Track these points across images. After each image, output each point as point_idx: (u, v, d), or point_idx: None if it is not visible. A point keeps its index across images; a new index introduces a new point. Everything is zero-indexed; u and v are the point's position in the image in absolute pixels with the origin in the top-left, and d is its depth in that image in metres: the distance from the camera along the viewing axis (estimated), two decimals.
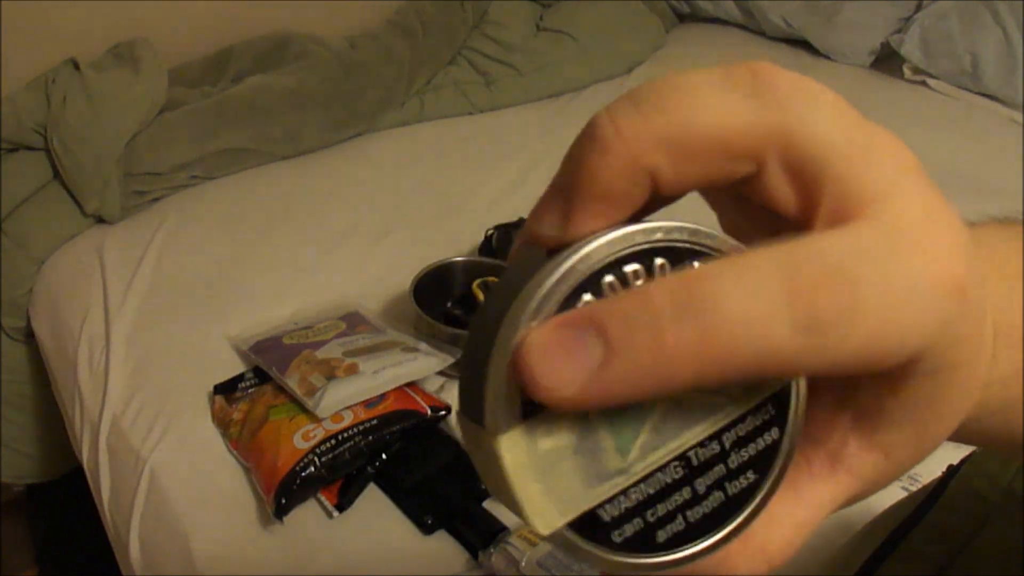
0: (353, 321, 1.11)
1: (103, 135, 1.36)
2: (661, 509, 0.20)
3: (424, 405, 0.97)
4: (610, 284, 0.19)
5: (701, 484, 0.21)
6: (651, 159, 0.19)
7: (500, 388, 0.19)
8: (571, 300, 0.19)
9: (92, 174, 1.35)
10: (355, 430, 0.92)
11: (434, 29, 1.73)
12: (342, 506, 0.91)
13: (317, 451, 0.90)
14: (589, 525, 0.20)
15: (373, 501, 0.92)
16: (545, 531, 0.19)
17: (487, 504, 0.90)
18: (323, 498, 0.91)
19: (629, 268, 0.19)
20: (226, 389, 1.05)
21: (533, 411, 0.19)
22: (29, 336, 1.40)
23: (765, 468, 0.21)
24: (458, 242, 1.28)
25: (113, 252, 1.34)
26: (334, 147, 1.60)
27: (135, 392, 1.10)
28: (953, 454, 0.57)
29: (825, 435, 0.22)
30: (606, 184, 0.19)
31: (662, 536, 0.20)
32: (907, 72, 1.82)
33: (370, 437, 0.92)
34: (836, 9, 1.90)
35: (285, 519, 0.89)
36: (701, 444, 0.21)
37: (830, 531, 0.84)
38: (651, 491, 0.20)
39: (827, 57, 1.90)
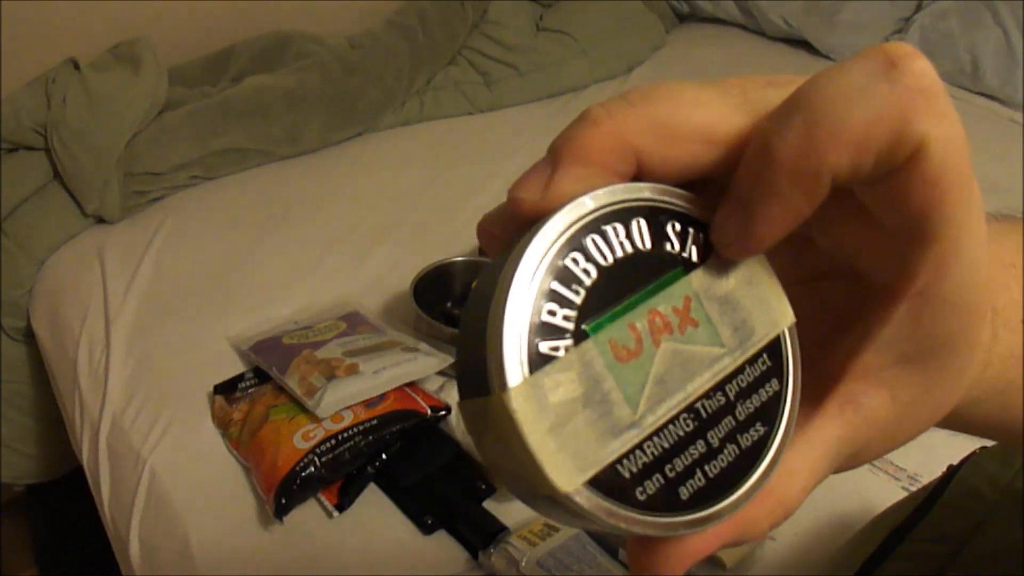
0: (353, 321, 1.11)
1: (103, 135, 1.36)
2: (679, 464, 0.20)
3: (424, 405, 0.97)
4: (594, 242, 0.20)
5: (714, 437, 0.21)
6: (637, 138, 0.20)
7: (501, 350, 0.18)
8: (560, 260, 0.19)
9: (92, 174, 1.35)
10: (355, 430, 0.92)
11: (434, 29, 1.72)
12: (342, 506, 0.91)
13: (317, 451, 0.90)
14: (609, 484, 0.19)
15: (373, 501, 0.92)
16: (567, 488, 0.19)
17: (487, 504, 0.90)
18: (323, 498, 0.91)
19: (609, 227, 0.20)
20: (226, 389, 1.05)
21: (541, 366, 0.19)
22: (29, 336, 1.40)
23: (772, 419, 0.21)
24: (458, 242, 1.28)
25: (113, 252, 1.34)
26: (334, 147, 1.60)
27: (135, 392, 1.10)
28: (954, 454, 0.58)
29: (836, 375, 0.22)
30: (591, 153, 0.20)
31: (685, 493, 0.20)
32: None
33: (370, 437, 0.92)
34: (836, 9, 1.90)
35: (285, 519, 0.89)
36: (707, 395, 0.21)
37: (830, 531, 0.85)
38: (666, 445, 0.20)
39: (827, 57, 1.90)
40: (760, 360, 0.21)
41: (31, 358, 1.42)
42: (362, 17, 1.80)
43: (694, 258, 0.21)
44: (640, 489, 0.20)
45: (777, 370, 0.22)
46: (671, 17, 2.12)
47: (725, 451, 0.21)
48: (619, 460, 0.19)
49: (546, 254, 0.19)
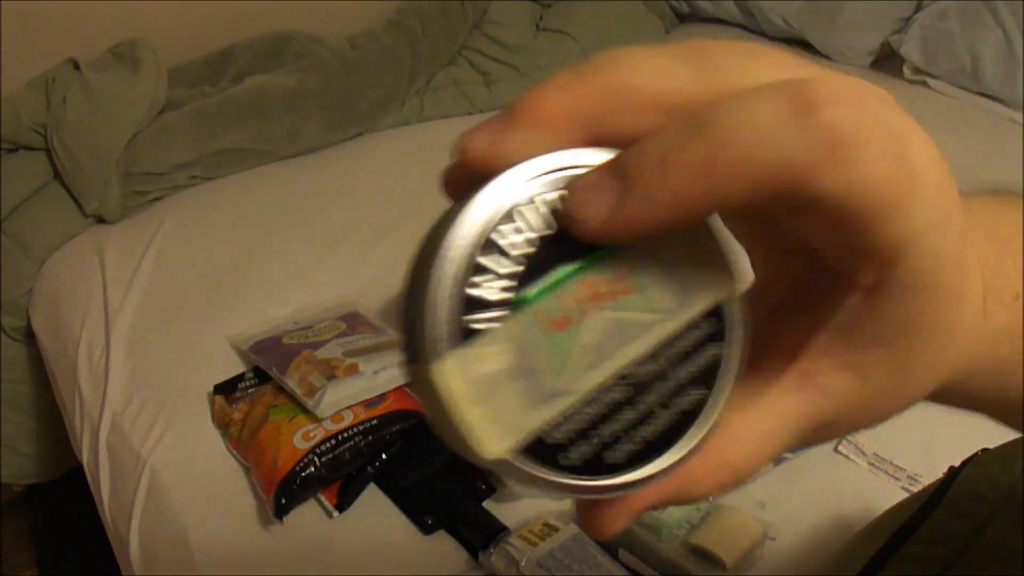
0: (353, 321, 1.11)
1: (103, 135, 1.36)
2: (609, 429, 0.20)
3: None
4: (530, 211, 0.19)
5: (647, 402, 0.21)
6: (591, 105, 0.20)
7: (434, 319, 0.19)
8: (494, 229, 0.19)
9: (92, 174, 1.35)
10: (355, 430, 0.92)
11: (434, 29, 1.72)
12: (342, 506, 0.91)
13: (317, 451, 0.90)
14: (536, 450, 0.20)
15: (373, 501, 0.92)
16: (491, 456, 0.19)
17: (487, 504, 0.90)
18: (323, 498, 0.91)
19: (548, 195, 0.20)
20: (226, 389, 1.05)
21: (469, 339, 0.19)
22: (29, 336, 1.40)
23: (712, 384, 0.21)
24: None
25: (113, 252, 1.34)
26: (334, 147, 1.60)
27: (135, 392, 1.10)
28: (955, 455, 0.58)
29: (796, 349, 0.22)
30: (544, 115, 0.20)
31: (615, 457, 0.20)
32: (907, 72, 1.82)
33: (370, 437, 0.92)
34: (836, 9, 1.90)
35: (285, 519, 0.89)
36: (640, 361, 0.20)
37: (831, 532, 0.85)
38: (596, 411, 0.20)
39: (827, 57, 1.90)
40: (701, 326, 0.21)
41: (31, 358, 1.42)
42: (362, 17, 1.80)
43: None
44: (569, 454, 0.20)
45: (720, 336, 0.21)
46: (671, 17, 2.12)
47: (659, 415, 0.21)
48: (547, 427, 0.20)
49: (480, 223, 0.19)
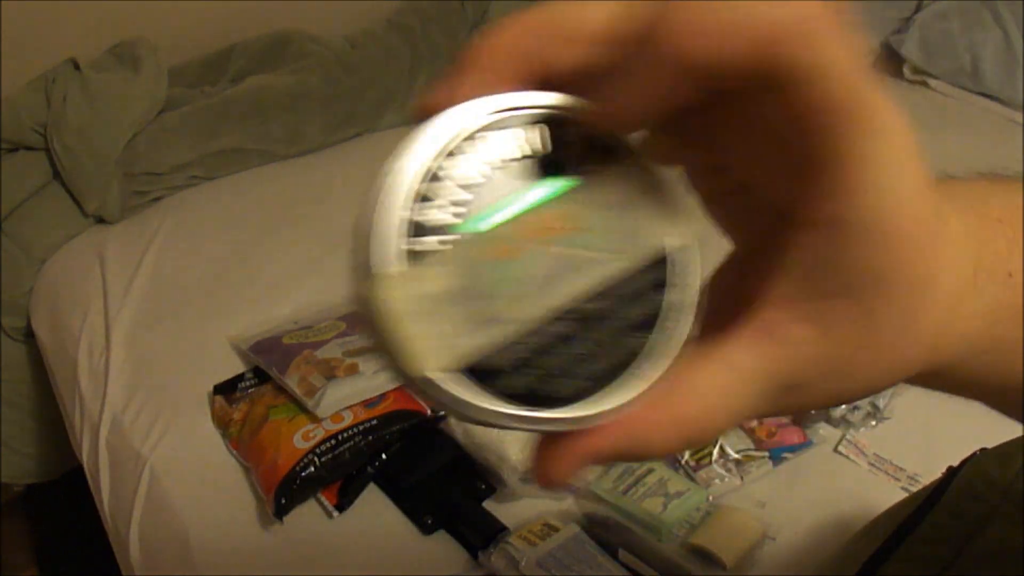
0: (353, 321, 1.11)
1: (103, 135, 1.36)
2: (551, 362, 0.20)
3: (424, 405, 0.97)
4: (486, 144, 0.20)
5: (593, 339, 0.21)
6: (533, 42, 0.20)
7: (379, 239, 0.19)
8: (450, 158, 0.20)
9: (92, 174, 1.35)
10: (355, 430, 0.92)
11: (434, 29, 1.72)
12: (342, 506, 0.91)
13: (317, 451, 0.90)
14: (475, 376, 0.19)
15: (373, 501, 0.92)
16: (418, 374, 0.19)
17: (487, 504, 0.90)
18: (323, 498, 0.91)
19: (505, 131, 0.20)
20: (226, 389, 1.05)
21: (416, 260, 0.19)
22: (29, 336, 1.40)
23: (662, 330, 0.21)
24: None
25: (113, 252, 1.34)
26: (334, 147, 1.60)
27: (135, 392, 1.10)
28: (954, 455, 0.58)
29: (753, 299, 0.22)
30: (489, 58, 0.20)
31: (556, 391, 0.20)
32: (907, 72, 1.82)
33: (370, 437, 0.92)
34: None
35: (285, 519, 0.89)
36: (588, 298, 0.20)
37: (830, 531, 0.85)
38: (539, 342, 0.20)
39: None
40: (653, 270, 0.21)
41: (31, 358, 1.42)
42: (362, 17, 1.79)
43: (595, 164, 0.21)
44: (507, 383, 0.20)
45: (675, 281, 0.21)
46: None
47: (604, 355, 0.21)
48: (486, 352, 0.20)
49: (431, 153, 0.19)
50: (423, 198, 0.19)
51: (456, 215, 0.20)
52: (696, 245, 0.21)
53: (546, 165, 0.21)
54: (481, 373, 0.20)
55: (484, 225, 0.20)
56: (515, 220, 0.20)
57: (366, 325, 0.20)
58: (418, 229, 0.19)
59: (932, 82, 1.79)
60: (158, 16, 1.59)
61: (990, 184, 0.25)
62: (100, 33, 1.52)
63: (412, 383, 0.19)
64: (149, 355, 1.15)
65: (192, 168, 1.46)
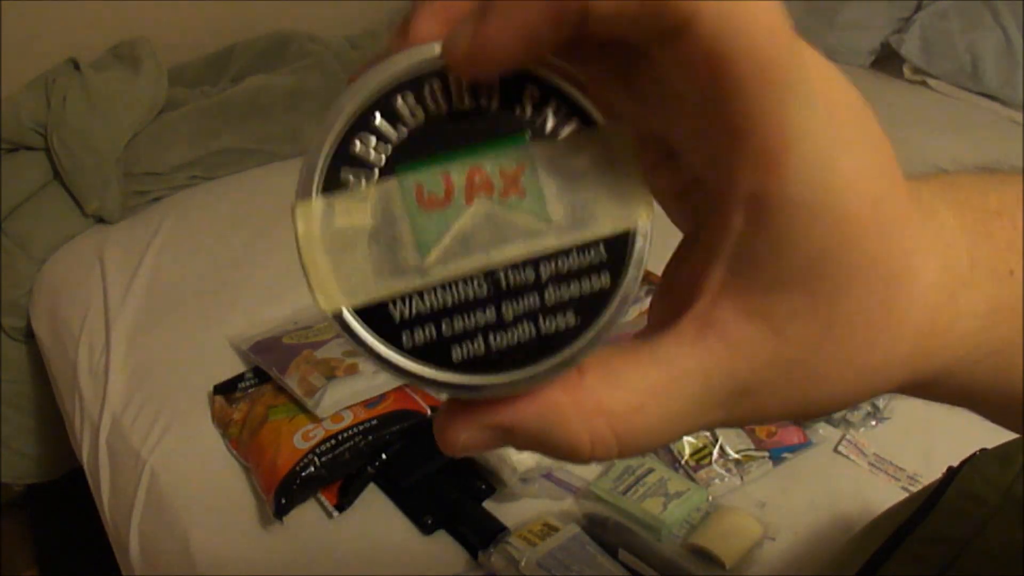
0: None
1: (103, 135, 1.36)
2: (459, 325, 0.19)
3: (424, 405, 0.97)
4: (434, 88, 0.19)
5: (509, 310, 0.20)
6: None
7: (312, 164, 0.19)
8: (393, 97, 0.19)
9: (92, 174, 1.35)
10: (355, 430, 0.92)
11: None
12: (342, 506, 0.91)
13: (317, 451, 0.90)
14: (378, 320, 0.19)
15: (373, 501, 0.92)
16: (326, 309, 0.19)
17: (487, 504, 0.90)
18: (323, 498, 0.91)
19: (455, 77, 0.19)
20: (226, 389, 1.05)
21: (336, 193, 0.19)
22: (29, 336, 1.40)
23: (589, 314, 0.20)
24: None
25: (113, 252, 1.34)
26: None
27: (135, 392, 1.10)
28: (954, 455, 0.58)
29: (694, 292, 0.20)
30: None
31: (458, 354, 0.20)
32: (907, 72, 1.82)
33: (370, 437, 0.92)
34: (836, 9, 1.90)
35: (285, 519, 0.89)
36: (513, 266, 0.19)
37: (830, 531, 0.85)
38: (449, 301, 0.19)
39: (827, 57, 1.90)
40: (594, 250, 0.20)
41: (31, 358, 1.42)
42: (362, 17, 1.80)
43: (546, 129, 0.20)
44: (409, 333, 0.19)
45: (613, 267, 0.20)
46: None
47: (518, 328, 0.20)
48: (393, 299, 0.19)
49: (380, 89, 0.19)
50: (356, 132, 0.19)
51: (383, 154, 0.19)
52: (646, 231, 0.20)
53: (494, 117, 0.19)
54: (379, 317, 0.19)
55: (415, 166, 0.19)
56: (451, 169, 0.19)
57: (296, 245, 0.19)
58: (344, 162, 0.19)
59: (932, 82, 1.79)
60: (158, 16, 1.60)
61: (988, 176, 0.23)
62: (100, 33, 1.53)
63: (320, 313, 0.19)
64: (149, 355, 1.15)
65: (192, 168, 1.46)
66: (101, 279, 1.29)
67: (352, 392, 0.96)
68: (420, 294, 0.19)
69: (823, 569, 0.68)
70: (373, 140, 0.19)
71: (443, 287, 0.19)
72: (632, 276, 0.20)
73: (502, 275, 0.20)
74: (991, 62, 1.71)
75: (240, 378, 1.06)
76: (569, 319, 0.20)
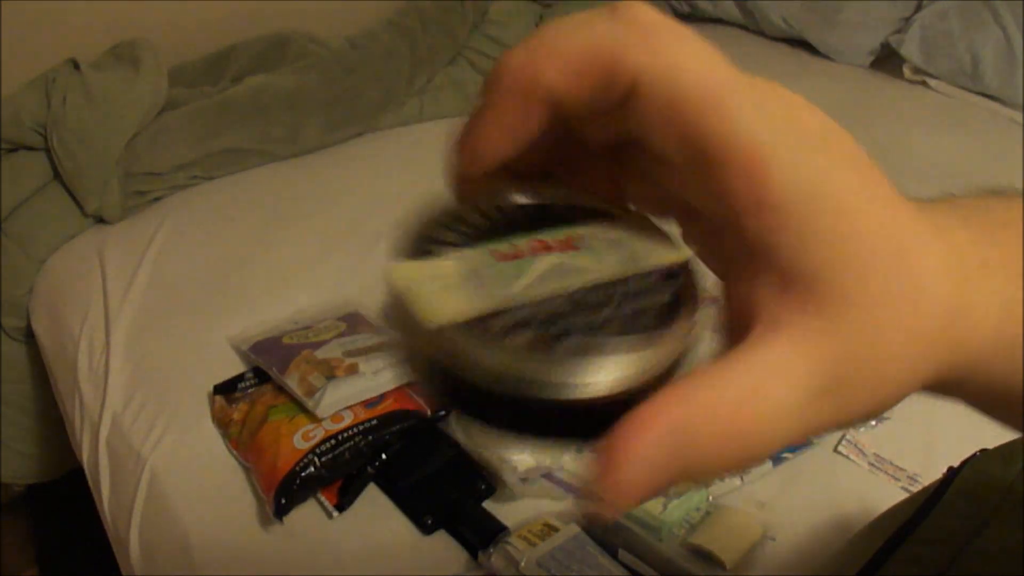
0: (353, 321, 1.11)
1: (103, 135, 1.36)
2: (554, 325, 0.21)
3: (424, 405, 0.97)
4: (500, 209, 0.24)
5: (593, 318, 0.21)
6: (532, 72, 0.21)
7: (404, 241, 0.23)
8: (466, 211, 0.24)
9: (92, 174, 1.35)
10: (355, 430, 0.92)
11: (434, 29, 1.72)
12: (342, 506, 0.91)
13: (317, 451, 0.90)
14: (480, 332, 0.21)
15: (373, 501, 0.92)
16: (440, 321, 0.21)
17: (487, 504, 0.90)
18: (323, 498, 0.91)
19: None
20: (226, 389, 1.05)
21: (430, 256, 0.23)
22: (29, 336, 1.39)
23: (672, 318, 0.22)
24: None
25: (113, 252, 1.34)
26: (334, 147, 1.60)
27: (135, 392, 1.10)
28: (954, 455, 0.58)
29: (753, 298, 0.21)
30: (502, 97, 0.22)
31: (558, 347, 0.21)
32: (907, 72, 1.82)
33: (370, 437, 0.92)
34: (836, 9, 1.90)
35: (285, 519, 0.89)
36: (588, 290, 0.22)
37: (830, 531, 0.85)
38: (541, 312, 0.21)
39: (827, 57, 1.90)
40: (651, 276, 0.23)
41: (31, 358, 1.42)
42: (362, 17, 1.80)
43: (584, 221, 0.24)
44: (510, 337, 0.21)
45: (672, 284, 0.22)
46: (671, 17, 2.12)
47: (606, 328, 0.21)
48: (490, 315, 0.21)
49: (448, 203, 0.24)
50: (443, 225, 0.24)
51: (463, 236, 0.23)
52: (696, 261, 0.23)
53: (545, 217, 0.24)
54: (481, 330, 0.21)
55: (488, 240, 0.23)
56: (511, 240, 0.23)
57: (387, 303, 0.22)
58: (429, 241, 0.23)
59: (932, 82, 1.79)
60: (158, 16, 1.60)
61: (991, 196, 0.25)
62: (100, 33, 1.52)
63: (428, 336, 0.21)
64: (149, 355, 1.15)
65: (192, 168, 1.46)
66: (101, 279, 1.29)
67: (352, 392, 0.96)
68: (513, 309, 0.21)
69: (823, 569, 0.68)
70: (450, 233, 0.23)
71: (533, 304, 0.21)
72: (701, 286, 0.23)
73: (578, 294, 0.22)
74: (991, 62, 1.71)
75: (240, 378, 1.06)
76: (648, 325, 0.21)
